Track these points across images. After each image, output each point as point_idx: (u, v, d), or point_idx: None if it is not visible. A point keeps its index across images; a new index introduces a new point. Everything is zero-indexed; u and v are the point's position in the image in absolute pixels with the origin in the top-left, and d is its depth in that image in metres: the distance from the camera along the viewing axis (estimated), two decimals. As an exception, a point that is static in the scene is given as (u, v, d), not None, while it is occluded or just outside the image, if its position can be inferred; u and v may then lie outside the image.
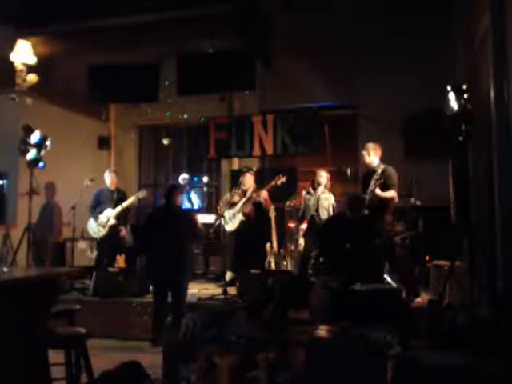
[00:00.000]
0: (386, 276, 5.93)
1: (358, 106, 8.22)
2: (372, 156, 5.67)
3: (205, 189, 9.16)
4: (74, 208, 7.13)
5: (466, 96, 4.61)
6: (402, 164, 6.12)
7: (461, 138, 4.64)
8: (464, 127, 4.58)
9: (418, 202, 6.75)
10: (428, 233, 6.59)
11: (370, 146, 5.74)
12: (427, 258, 6.07)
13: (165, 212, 5.58)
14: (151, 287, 5.83)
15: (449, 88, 4.68)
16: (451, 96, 4.65)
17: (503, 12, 4.32)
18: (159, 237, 5.36)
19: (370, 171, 5.68)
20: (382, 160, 5.71)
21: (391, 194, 5.44)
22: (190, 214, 6.03)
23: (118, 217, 7.04)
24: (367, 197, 5.45)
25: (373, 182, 5.45)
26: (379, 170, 5.46)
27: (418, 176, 6.92)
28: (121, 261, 7.21)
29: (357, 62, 7.88)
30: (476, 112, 4.69)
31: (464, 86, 4.65)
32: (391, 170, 5.56)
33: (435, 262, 5.81)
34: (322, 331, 3.51)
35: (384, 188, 5.40)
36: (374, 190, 5.36)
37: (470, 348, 3.03)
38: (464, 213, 5.77)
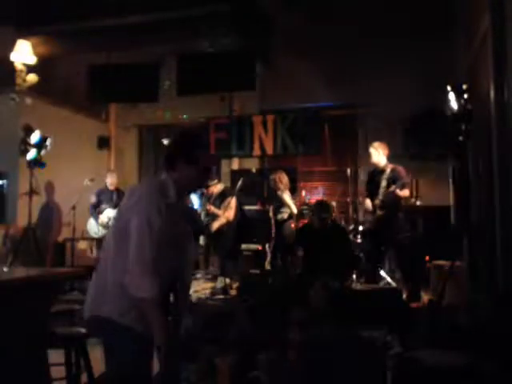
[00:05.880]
0: (385, 275, 5.95)
1: (358, 105, 8.21)
2: (381, 155, 5.70)
3: (204, 189, 9.13)
4: (74, 208, 7.13)
5: (465, 96, 4.60)
6: (402, 164, 6.13)
7: (461, 138, 4.64)
8: (464, 127, 4.57)
9: (418, 202, 6.74)
10: (428, 233, 6.59)
11: (379, 144, 5.75)
12: (427, 257, 6.06)
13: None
14: None
15: (449, 88, 4.68)
16: (451, 96, 4.65)
17: (503, 12, 4.31)
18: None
19: (377, 170, 5.70)
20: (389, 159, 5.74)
21: (406, 192, 5.54)
22: (191, 210, 6.11)
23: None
24: (380, 197, 5.47)
25: (384, 182, 5.46)
26: (388, 170, 5.49)
27: (418, 176, 6.92)
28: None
29: (357, 61, 7.87)
30: (476, 112, 4.69)
31: (464, 86, 4.65)
32: (401, 169, 5.60)
33: (435, 262, 5.81)
34: (322, 331, 3.51)
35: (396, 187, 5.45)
36: (393, 191, 5.39)
37: (469, 348, 3.03)
38: (464, 213, 5.76)
